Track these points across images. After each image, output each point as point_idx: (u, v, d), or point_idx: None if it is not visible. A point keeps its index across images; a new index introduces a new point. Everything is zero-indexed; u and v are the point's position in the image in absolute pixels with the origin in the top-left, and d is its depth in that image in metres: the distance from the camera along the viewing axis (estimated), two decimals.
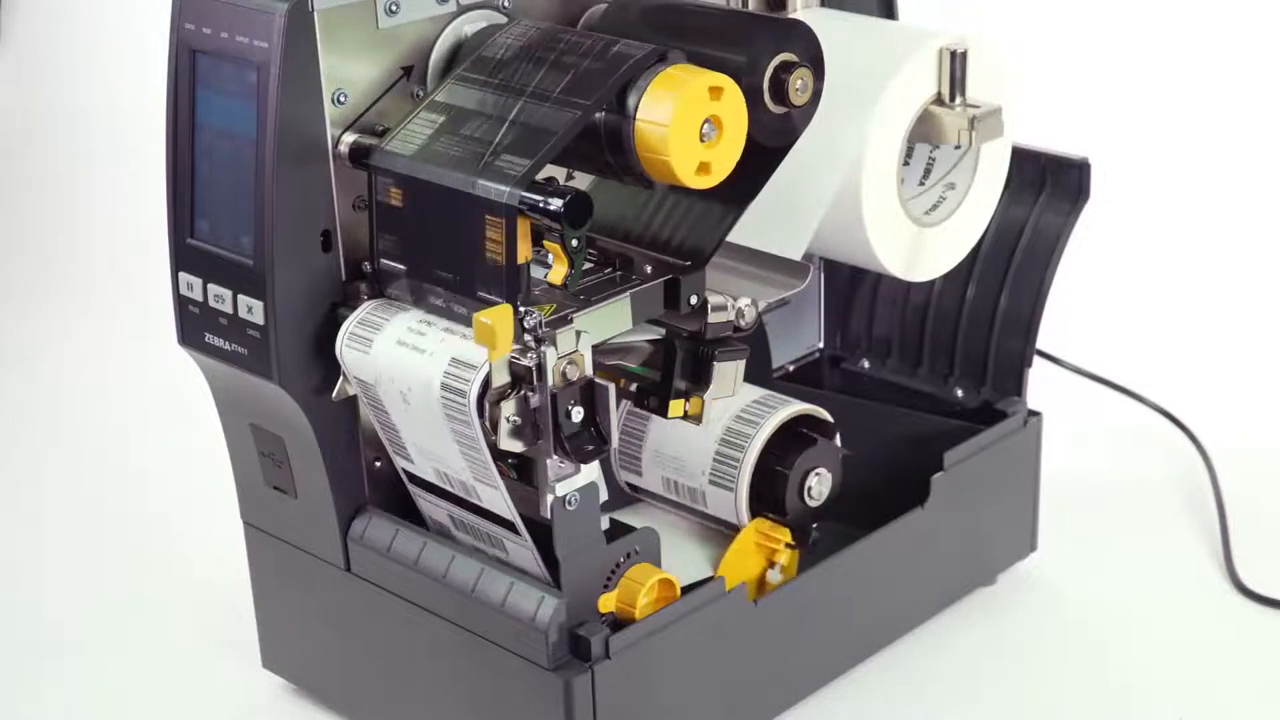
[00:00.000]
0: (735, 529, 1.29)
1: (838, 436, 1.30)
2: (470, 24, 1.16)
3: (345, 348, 1.12)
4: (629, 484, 1.35)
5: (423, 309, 1.11)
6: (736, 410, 1.29)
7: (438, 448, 1.11)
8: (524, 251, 1.06)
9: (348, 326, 1.12)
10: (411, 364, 1.09)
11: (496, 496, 1.10)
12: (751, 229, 1.17)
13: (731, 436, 1.28)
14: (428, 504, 1.18)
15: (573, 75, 1.09)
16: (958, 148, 1.28)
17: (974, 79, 1.23)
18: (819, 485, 1.29)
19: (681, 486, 1.31)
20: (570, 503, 1.10)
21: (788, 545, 1.27)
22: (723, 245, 1.13)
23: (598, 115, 1.08)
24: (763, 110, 1.11)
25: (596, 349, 1.09)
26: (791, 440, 1.28)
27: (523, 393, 1.05)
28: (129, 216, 2.09)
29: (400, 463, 1.17)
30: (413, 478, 1.17)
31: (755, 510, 1.28)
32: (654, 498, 1.34)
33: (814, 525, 1.29)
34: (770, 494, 1.27)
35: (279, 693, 1.33)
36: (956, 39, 1.23)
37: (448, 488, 1.14)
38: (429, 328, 1.10)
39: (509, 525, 1.11)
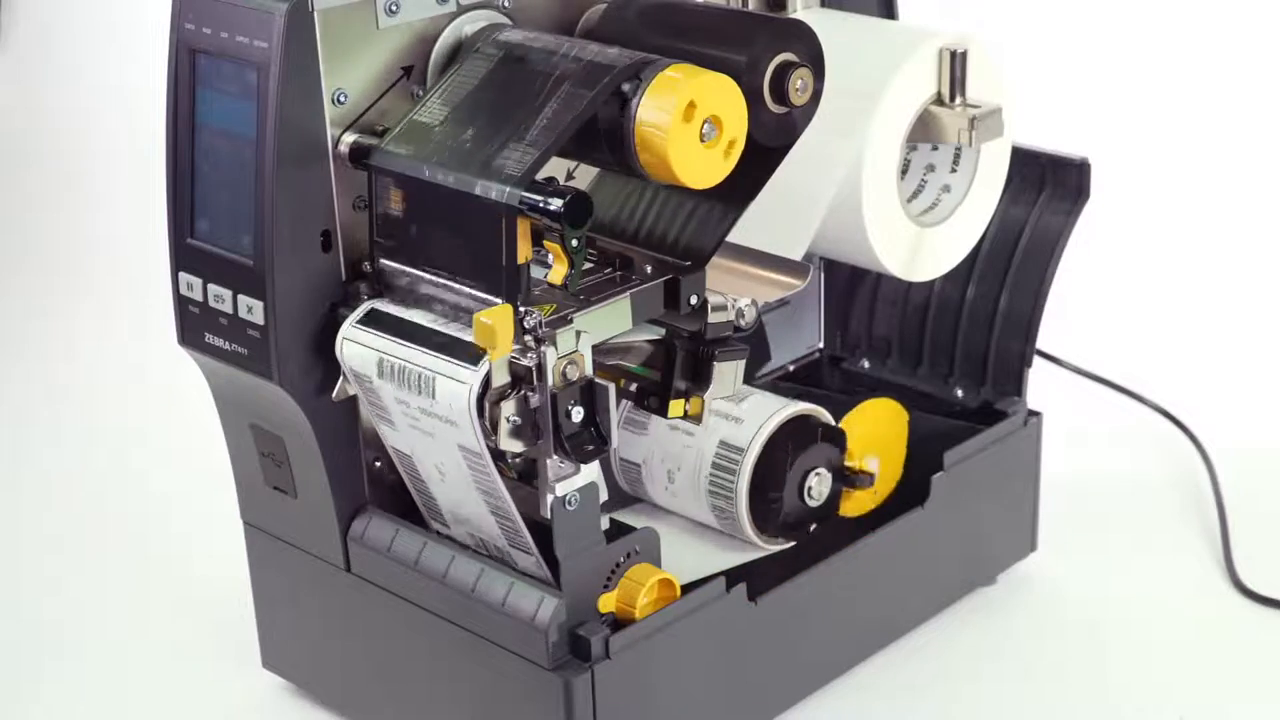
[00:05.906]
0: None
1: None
2: (470, 24, 1.16)
3: (345, 348, 1.12)
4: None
5: (422, 309, 1.11)
6: None
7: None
8: (524, 251, 1.06)
9: (347, 326, 1.12)
10: (411, 364, 1.08)
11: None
12: (751, 229, 1.17)
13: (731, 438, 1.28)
14: (356, 345, 1.12)
15: (573, 76, 1.09)
16: (958, 148, 1.28)
17: (974, 79, 1.23)
18: (819, 485, 1.29)
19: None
20: (570, 503, 1.10)
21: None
22: (723, 245, 1.13)
23: (598, 113, 1.08)
24: (763, 110, 1.11)
25: (596, 349, 1.09)
26: (791, 440, 1.28)
27: (523, 393, 1.05)
28: (129, 216, 2.09)
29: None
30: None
31: (755, 511, 1.28)
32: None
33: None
34: (770, 493, 1.27)
35: (279, 693, 1.33)
36: (956, 39, 1.23)
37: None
38: (428, 327, 1.10)
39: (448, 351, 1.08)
